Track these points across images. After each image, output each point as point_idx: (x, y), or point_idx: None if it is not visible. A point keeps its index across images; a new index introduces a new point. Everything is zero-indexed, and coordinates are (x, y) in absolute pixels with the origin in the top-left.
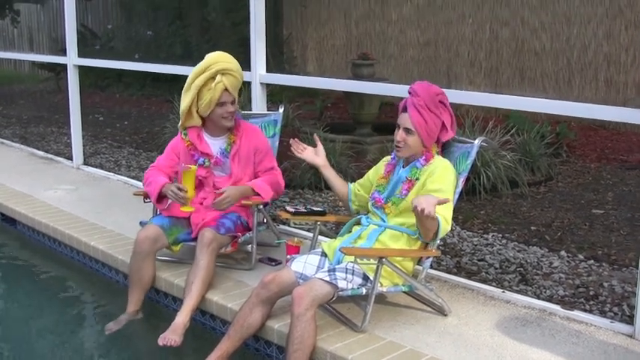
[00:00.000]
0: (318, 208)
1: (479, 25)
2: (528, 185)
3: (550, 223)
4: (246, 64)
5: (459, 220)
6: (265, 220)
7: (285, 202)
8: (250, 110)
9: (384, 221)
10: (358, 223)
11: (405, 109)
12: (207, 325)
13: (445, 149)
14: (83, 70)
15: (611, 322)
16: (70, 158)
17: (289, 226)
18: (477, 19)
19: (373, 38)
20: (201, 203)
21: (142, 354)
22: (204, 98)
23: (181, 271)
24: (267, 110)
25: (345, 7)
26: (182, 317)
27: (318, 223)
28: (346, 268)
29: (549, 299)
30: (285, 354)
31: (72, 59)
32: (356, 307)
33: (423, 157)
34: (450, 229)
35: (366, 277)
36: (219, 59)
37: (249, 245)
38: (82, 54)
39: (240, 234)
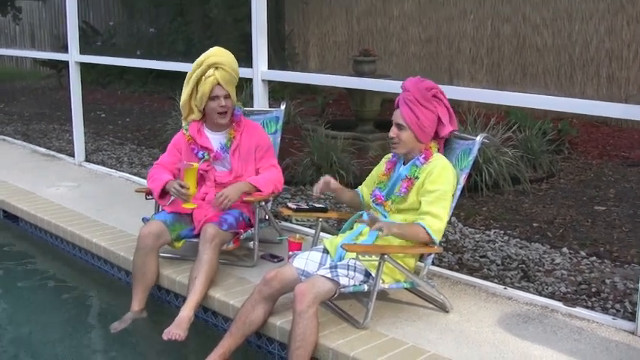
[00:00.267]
0: (320, 205)
1: (480, 22)
2: (530, 182)
3: (552, 219)
4: (247, 60)
5: (461, 216)
6: (267, 217)
7: (286, 198)
8: (252, 107)
9: (385, 217)
10: (360, 219)
11: (398, 106)
12: (210, 322)
13: (447, 146)
14: (85, 67)
15: (613, 319)
16: (72, 155)
17: (291, 222)
18: (479, 15)
19: (375, 35)
20: (203, 199)
21: (145, 350)
22: (198, 92)
23: (184, 268)
24: (269, 107)
25: (347, 4)
26: (186, 311)
27: (320, 219)
28: (348, 265)
29: (551, 296)
30: (288, 351)
31: (74, 56)
32: (358, 303)
33: (423, 156)
34: (443, 226)
35: (367, 274)
36: (213, 53)
37: (251, 242)
38: (83, 51)
39: (242, 230)
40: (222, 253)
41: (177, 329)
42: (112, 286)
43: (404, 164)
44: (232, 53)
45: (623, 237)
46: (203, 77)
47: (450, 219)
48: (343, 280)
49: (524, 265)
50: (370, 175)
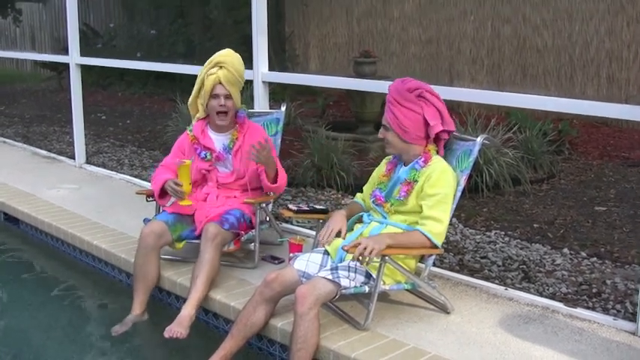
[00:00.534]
0: (321, 207)
1: (480, 23)
2: (531, 183)
3: (552, 220)
4: (248, 62)
5: (462, 217)
6: (268, 219)
7: (287, 200)
8: (252, 108)
9: (385, 218)
10: (360, 220)
11: None
12: (211, 324)
13: (447, 147)
14: (85, 69)
15: (614, 320)
16: (73, 157)
17: (292, 224)
18: (479, 16)
19: (375, 36)
20: (205, 199)
21: (146, 353)
22: (203, 89)
23: (184, 270)
24: (270, 108)
25: (347, 5)
26: (188, 310)
27: (321, 221)
28: (349, 267)
29: (552, 297)
30: (289, 353)
31: (74, 58)
32: (359, 305)
33: (422, 159)
34: (444, 229)
35: (368, 275)
36: (221, 53)
37: (252, 243)
38: (84, 53)
39: (243, 232)
40: (223, 255)
41: (178, 327)
42: (112, 288)
43: (404, 165)
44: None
45: (624, 237)
46: (207, 75)
47: (451, 220)
48: (344, 282)
49: (524, 266)
50: (370, 180)
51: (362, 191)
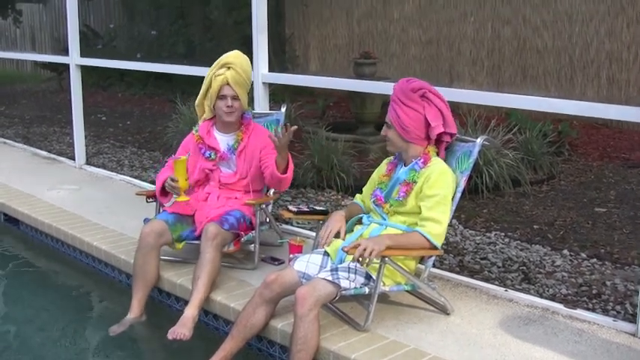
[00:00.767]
0: (321, 208)
1: (481, 24)
2: (531, 184)
3: (552, 221)
4: None
5: (462, 218)
6: (268, 220)
7: (287, 201)
8: (253, 109)
9: (385, 219)
10: (360, 222)
11: None
12: (211, 325)
13: (447, 148)
14: (85, 70)
15: (614, 321)
16: (73, 158)
17: (292, 225)
18: (479, 17)
19: (375, 37)
20: (206, 199)
21: (146, 354)
22: (210, 90)
23: (184, 271)
24: (270, 109)
25: (347, 6)
26: (191, 310)
27: (321, 222)
28: (349, 268)
29: (552, 298)
30: (289, 354)
31: (74, 59)
32: (359, 306)
33: (422, 160)
34: (444, 230)
35: (368, 277)
36: (229, 54)
37: (252, 245)
38: (84, 54)
39: (243, 233)
40: (223, 256)
41: (182, 328)
42: (113, 289)
43: (404, 166)
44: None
45: (624, 239)
46: (214, 76)
47: (451, 221)
48: (344, 283)
49: (524, 267)
50: (369, 181)
51: (362, 192)
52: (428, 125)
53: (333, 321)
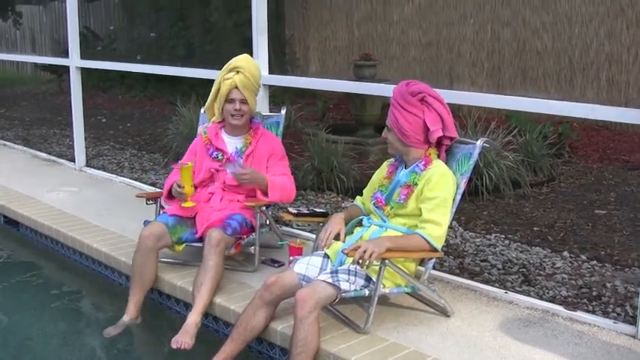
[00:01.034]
0: (321, 210)
1: (480, 26)
2: (531, 186)
3: (553, 223)
4: None
5: (462, 220)
6: (268, 222)
7: (287, 203)
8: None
9: (385, 221)
10: (360, 224)
11: None
12: (211, 328)
13: (447, 151)
14: (85, 72)
15: (614, 323)
16: (73, 160)
17: (292, 227)
18: (479, 19)
19: (375, 39)
20: (208, 200)
21: (145, 355)
22: (219, 93)
23: (185, 273)
24: (270, 112)
25: (347, 8)
26: (194, 317)
27: (321, 224)
28: (349, 270)
29: (552, 300)
30: (289, 356)
31: (74, 61)
32: (359, 308)
33: (422, 162)
34: (444, 232)
35: (368, 279)
36: (238, 59)
37: (252, 247)
38: (84, 56)
39: (244, 236)
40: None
41: (184, 337)
42: (112, 291)
43: (405, 168)
44: (232, 58)
45: (624, 241)
46: (223, 79)
47: (451, 223)
48: (344, 285)
49: (524, 269)
50: (370, 183)
51: (362, 194)
52: (427, 129)
53: (333, 323)
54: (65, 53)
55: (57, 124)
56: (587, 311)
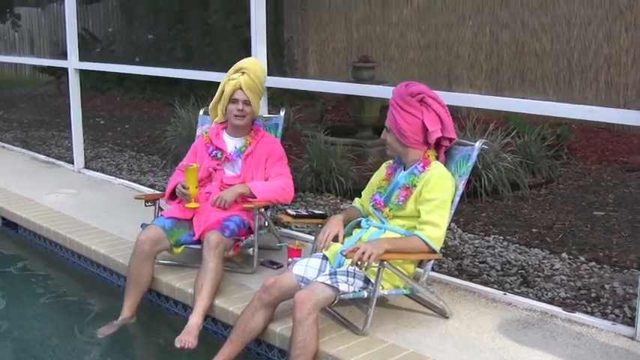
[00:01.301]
0: (320, 212)
1: (479, 28)
2: (529, 187)
3: (551, 225)
4: None
5: (461, 222)
6: (267, 224)
7: (286, 205)
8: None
9: (384, 223)
10: (358, 225)
11: None
12: (209, 329)
13: (446, 152)
14: (84, 74)
15: (613, 324)
16: (71, 162)
17: (291, 229)
18: (477, 21)
19: (374, 41)
20: (206, 200)
21: (144, 357)
22: (223, 93)
23: (183, 275)
24: (268, 113)
25: (346, 10)
26: (195, 319)
27: (320, 226)
28: (347, 271)
29: (551, 301)
30: (288, 358)
31: (73, 63)
32: (357, 310)
33: (421, 164)
34: (443, 234)
35: (367, 280)
36: (244, 60)
37: (251, 248)
38: (82, 57)
39: (242, 237)
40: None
41: (188, 337)
42: (111, 293)
43: (404, 170)
44: (231, 60)
45: (623, 242)
46: (228, 80)
47: (450, 225)
48: (343, 287)
49: (523, 271)
50: (368, 185)
51: (360, 196)
52: (426, 130)
53: (332, 325)
54: (64, 55)
55: (55, 126)
56: (586, 313)
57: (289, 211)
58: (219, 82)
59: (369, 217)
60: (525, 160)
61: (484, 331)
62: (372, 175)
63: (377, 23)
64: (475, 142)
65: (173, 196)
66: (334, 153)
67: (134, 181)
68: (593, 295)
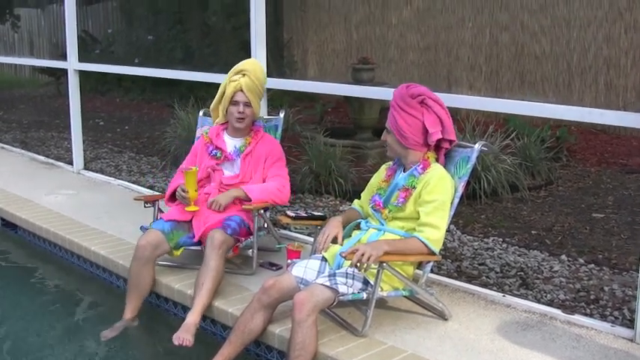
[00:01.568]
0: (319, 213)
1: (479, 29)
2: (529, 189)
3: (550, 227)
4: None
5: (460, 224)
6: (266, 225)
7: (285, 206)
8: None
9: (383, 225)
10: (358, 227)
11: None
12: (208, 330)
13: (446, 154)
14: (83, 75)
15: (612, 326)
16: (71, 163)
17: (290, 230)
18: (477, 23)
19: (373, 42)
20: (205, 200)
21: (142, 358)
22: (224, 95)
23: (182, 276)
24: (268, 115)
25: (345, 12)
26: (193, 317)
27: (319, 227)
28: (347, 273)
29: (550, 303)
30: (287, 359)
31: (72, 64)
32: (357, 311)
33: (421, 166)
34: (442, 236)
35: (366, 282)
36: (245, 62)
37: (250, 250)
38: (82, 59)
39: (242, 238)
40: None
41: (185, 334)
42: (110, 293)
43: (404, 172)
44: (231, 61)
45: (622, 244)
46: (229, 81)
47: (449, 227)
48: (342, 288)
49: (522, 273)
50: (368, 186)
51: (360, 198)
52: (426, 131)
53: (331, 326)
54: (63, 56)
55: (55, 127)
56: (585, 315)
57: (288, 212)
58: (219, 84)
59: (369, 218)
60: (525, 162)
61: (483, 333)
62: (371, 177)
63: (377, 24)
64: (475, 143)
65: (173, 198)
66: (334, 154)
67: (133, 183)
68: (592, 297)
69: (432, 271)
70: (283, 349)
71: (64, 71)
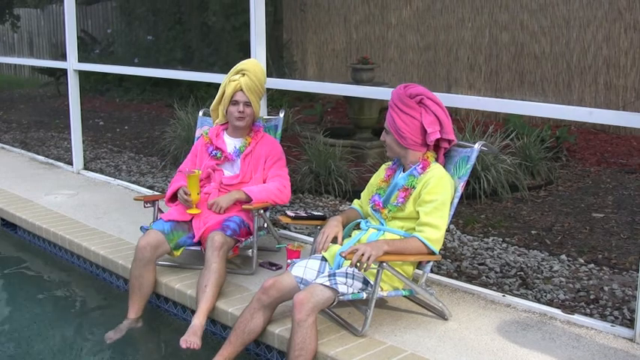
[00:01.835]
0: (319, 213)
1: (478, 29)
2: (528, 189)
3: (550, 227)
4: None
5: (460, 224)
6: (266, 225)
7: (285, 206)
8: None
9: (383, 224)
10: (357, 227)
11: None
12: (208, 330)
13: (445, 154)
14: (83, 75)
15: (612, 326)
16: (71, 163)
17: (290, 230)
18: (477, 23)
19: (373, 42)
20: (205, 200)
21: (143, 358)
22: (224, 95)
23: (182, 277)
24: (268, 115)
25: (345, 12)
26: (199, 319)
27: (319, 227)
28: (346, 273)
29: (550, 303)
30: (287, 359)
31: (72, 64)
32: (356, 311)
33: (420, 166)
34: (442, 236)
35: (366, 282)
36: (245, 62)
37: (250, 250)
38: (82, 59)
39: (242, 238)
40: None
41: (193, 337)
42: (110, 293)
43: (403, 172)
44: (231, 61)
45: (622, 244)
46: (229, 81)
47: (449, 227)
48: (342, 288)
49: (522, 273)
50: (367, 186)
51: (359, 197)
52: (425, 132)
53: (331, 326)
54: (63, 56)
55: (54, 127)
56: (585, 314)
57: (288, 212)
58: (219, 84)
59: (368, 218)
60: (524, 162)
61: (483, 332)
62: (371, 177)
63: (376, 25)
64: (474, 143)
65: (173, 198)
66: (333, 154)
67: (133, 183)
68: (592, 296)
69: (431, 271)
70: (283, 349)
71: (64, 71)
